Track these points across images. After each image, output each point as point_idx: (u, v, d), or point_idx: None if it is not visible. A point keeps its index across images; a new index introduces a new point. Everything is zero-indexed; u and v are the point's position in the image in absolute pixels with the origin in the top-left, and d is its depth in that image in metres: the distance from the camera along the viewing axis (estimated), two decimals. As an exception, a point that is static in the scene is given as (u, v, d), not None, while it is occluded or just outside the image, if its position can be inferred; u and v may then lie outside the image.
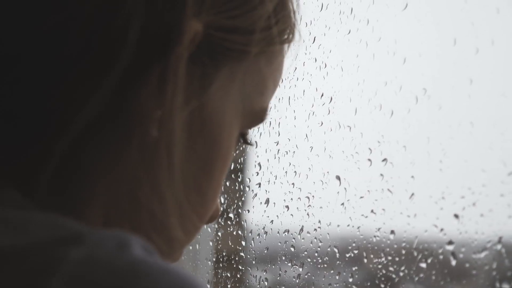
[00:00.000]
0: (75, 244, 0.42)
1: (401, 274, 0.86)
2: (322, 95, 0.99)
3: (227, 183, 1.28)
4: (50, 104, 0.52)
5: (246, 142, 0.65)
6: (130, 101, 0.52)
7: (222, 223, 1.33)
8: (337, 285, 0.99)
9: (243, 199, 1.26)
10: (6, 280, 0.41)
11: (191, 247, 1.40)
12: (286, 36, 0.62)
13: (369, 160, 0.89)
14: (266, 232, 1.16)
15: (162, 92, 0.52)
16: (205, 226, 1.36)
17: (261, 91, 0.62)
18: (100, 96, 0.50)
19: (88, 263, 0.41)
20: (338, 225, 0.96)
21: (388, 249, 0.87)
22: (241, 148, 1.25)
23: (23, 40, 0.51)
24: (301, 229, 1.05)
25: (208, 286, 1.36)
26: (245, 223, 1.27)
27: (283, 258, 1.12)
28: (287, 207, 1.08)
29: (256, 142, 1.18)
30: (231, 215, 1.30)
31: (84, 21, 0.50)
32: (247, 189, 1.25)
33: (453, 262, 0.77)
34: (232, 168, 1.27)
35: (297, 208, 1.05)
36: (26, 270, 0.41)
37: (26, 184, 0.51)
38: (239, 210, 1.28)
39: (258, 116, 0.63)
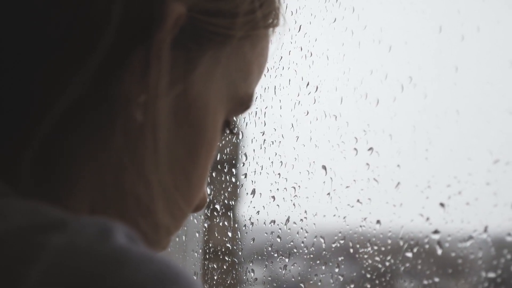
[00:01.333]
0: (55, 231, 0.42)
1: (387, 263, 0.85)
2: (308, 84, 0.99)
3: (213, 174, 1.28)
4: (31, 89, 0.51)
5: (231, 131, 0.65)
6: (113, 85, 0.51)
7: (209, 215, 1.33)
8: (324, 275, 0.98)
9: (229, 190, 1.26)
10: None
11: (177, 239, 1.39)
12: (270, 20, 0.62)
13: (355, 149, 0.88)
14: (252, 223, 1.16)
15: (145, 76, 0.51)
16: (191, 218, 1.36)
17: (246, 76, 0.61)
18: (80, 80, 0.49)
19: (68, 251, 0.41)
20: (324, 215, 0.96)
21: (374, 239, 0.87)
22: (227, 139, 1.25)
23: (5, 23, 0.50)
24: (287, 220, 1.04)
25: (195, 277, 1.35)
26: (231, 214, 1.27)
27: (270, 249, 1.11)
28: (273, 197, 1.08)
29: (242, 132, 1.18)
30: (217, 206, 1.29)
31: (65, 4, 0.50)
32: (233, 179, 1.25)
33: (439, 251, 0.77)
34: (218, 158, 1.26)
35: (283, 198, 1.05)
36: (5, 256, 0.40)
37: (8, 172, 0.51)
38: (226, 201, 1.27)
39: (243, 102, 0.62)
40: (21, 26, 0.50)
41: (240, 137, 1.21)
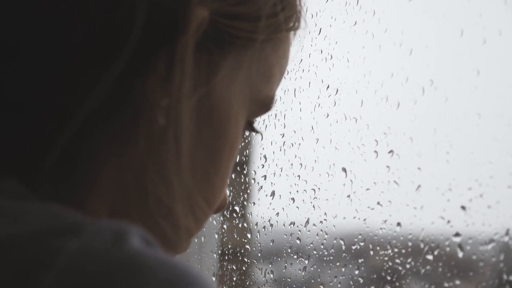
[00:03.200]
0: (71, 235, 0.42)
1: (408, 266, 0.85)
2: (328, 86, 0.99)
3: (233, 176, 1.28)
4: (53, 93, 0.51)
5: (254, 130, 0.65)
6: (136, 89, 0.52)
7: (228, 216, 1.33)
8: (343, 277, 0.99)
9: (248, 191, 1.26)
10: (3, 269, 0.40)
11: (196, 240, 1.40)
12: (292, 24, 0.62)
13: (375, 152, 0.88)
14: (271, 225, 1.16)
15: (169, 80, 0.51)
16: (210, 219, 1.36)
17: (268, 78, 0.61)
18: (103, 85, 0.49)
19: (83, 255, 0.41)
20: (344, 218, 0.96)
21: (394, 241, 0.87)
22: (246, 141, 1.25)
23: (26, 29, 0.51)
24: (307, 222, 1.05)
25: (214, 278, 1.36)
26: (250, 216, 1.27)
27: (289, 250, 1.11)
28: (293, 199, 1.08)
29: (261, 134, 1.18)
30: (236, 207, 1.30)
31: (88, 9, 0.50)
32: (252, 181, 1.25)
33: (460, 254, 0.76)
34: (237, 160, 1.26)
35: (303, 200, 1.05)
36: (22, 260, 0.41)
37: (28, 175, 0.51)
38: (245, 203, 1.28)
39: (265, 104, 0.63)
40: (45, 31, 0.50)
41: (260, 139, 1.21)
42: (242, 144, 1.25)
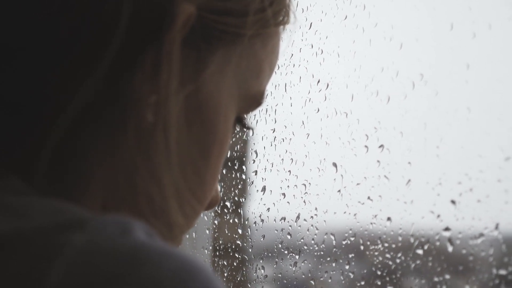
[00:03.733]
0: (77, 230, 0.42)
1: (398, 261, 0.85)
2: (319, 81, 0.99)
3: (224, 171, 1.28)
4: (45, 90, 0.51)
5: (244, 126, 0.65)
6: (124, 86, 0.52)
7: (219, 211, 1.33)
8: (334, 272, 0.99)
9: (239, 187, 1.26)
10: (10, 264, 0.40)
11: (187, 236, 1.40)
12: (281, 18, 0.61)
13: (366, 146, 0.88)
14: (262, 220, 1.16)
15: (156, 76, 0.51)
16: (201, 215, 1.36)
17: (257, 74, 0.61)
18: (92, 81, 0.49)
19: (89, 249, 0.41)
20: (335, 213, 0.96)
21: (384, 236, 0.87)
22: (237, 136, 1.25)
23: (16, 29, 0.51)
24: (298, 217, 1.05)
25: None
26: (241, 211, 1.27)
27: (280, 246, 1.11)
28: (284, 194, 1.08)
29: (252, 129, 1.18)
30: (227, 203, 1.29)
31: (76, 7, 0.50)
32: (243, 177, 1.25)
33: (450, 249, 0.77)
34: (228, 156, 1.26)
35: (294, 195, 1.05)
36: (29, 255, 0.41)
37: (26, 172, 0.51)
38: (236, 198, 1.28)
39: (255, 99, 0.62)
40: (32, 28, 0.50)
41: (251, 134, 1.21)
42: (233, 139, 1.25)
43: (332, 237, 0.98)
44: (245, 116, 0.65)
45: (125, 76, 0.51)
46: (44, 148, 0.50)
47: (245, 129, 0.66)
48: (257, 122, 1.16)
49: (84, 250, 0.41)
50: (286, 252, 1.10)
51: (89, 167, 0.53)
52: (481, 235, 0.73)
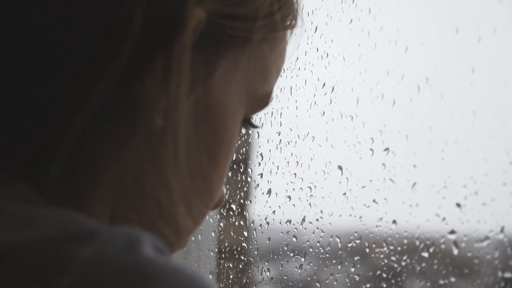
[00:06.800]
0: (85, 241, 0.42)
1: (403, 263, 0.85)
2: (324, 84, 0.99)
3: (229, 174, 1.28)
4: (54, 96, 0.51)
5: (252, 125, 0.65)
6: (134, 90, 0.52)
7: (224, 214, 1.33)
8: (339, 275, 0.99)
9: (245, 189, 1.26)
10: (18, 272, 0.41)
11: (193, 238, 1.40)
12: (288, 22, 0.62)
13: (371, 149, 0.88)
14: (268, 223, 1.16)
15: (166, 80, 0.51)
16: (207, 217, 1.36)
17: (265, 77, 0.61)
18: (103, 86, 0.49)
19: (96, 262, 0.41)
20: (340, 215, 0.96)
21: (390, 239, 0.87)
22: (243, 139, 1.25)
23: (26, 31, 0.51)
24: (303, 219, 1.05)
25: (211, 276, 1.36)
26: (247, 214, 1.27)
27: (285, 248, 1.12)
28: (289, 197, 1.08)
29: (258, 132, 1.18)
30: (233, 205, 1.30)
31: (87, 11, 0.50)
32: (249, 179, 1.25)
33: (455, 252, 0.77)
34: (234, 158, 1.26)
35: (299, 198, 1.05)
36: (37, 265, 0.41)
37: (33, 177, 0.51)
38: (241, 201, 1.28)
39: (262, 101, 0.63)
40: (43, 34, 0.50)
41: (256, 137, 1.21)
42: (239, 142, 1.25)
43: (338, 240, 0.98)
44: (252, 116, 0.65)
45: (135, 80, 0.52)
46: (55, 155, 0.50)
47: (252, 129, 0.66)
48: (262, 125, 1.16)
49: (92, 262, 0.41)
50: (291, 254, 1.10)
51: (97, 171, 0.54)
52: (487, 238, 0.74)
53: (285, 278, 1.13)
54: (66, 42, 0.50)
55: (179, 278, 0.42)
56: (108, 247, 0.42)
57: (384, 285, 0.89)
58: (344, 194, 0.94)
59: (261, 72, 0.61)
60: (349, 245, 0.96)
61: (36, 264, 0.41)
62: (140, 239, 0.44)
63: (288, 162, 1.09)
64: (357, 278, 0.95)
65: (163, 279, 0.41)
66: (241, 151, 1.27)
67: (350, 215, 0.93)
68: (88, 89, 0.50)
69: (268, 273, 1.18)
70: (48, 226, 0.44)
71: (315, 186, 1.02)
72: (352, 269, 0.96)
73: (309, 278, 1.06)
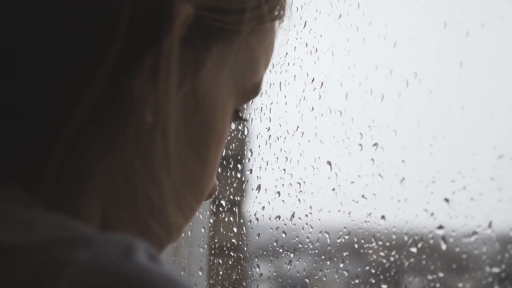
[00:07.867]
0: (80, 247, 0.42)
1: (392, 259, 0.86)
2: (313, 80, 0.99)
3: (219, 170, 1.28)
4: (45, 97, 0.51)
5: (240, 118, 0.65)
6: (124, 89, 0.52)
7: (214, 210, 1.33)
8: (328, 270, 0.99)
9: (234, 185, 1.26)
10: (13, 274, 0.41)
11: (183, 234, 1.40)
12: (276, 13, 0.62)
13: (360, 145, 0.88)
14: (257, 219, 1.16)
15: (155, 77, 0.51)
16: (197, 213, 1.36)
17: (254, 69, 0.61)
18: (93, 86, 0.49)
19: (91, 268, 0.41)
20: (329, 211, 0.96)
21: (379, 234, 0.87)
22: (232, 135, 1.25)
23: (15, 35, 0.51)
24: (292, 215, 1.05)
25: (200, 273, 1.36)
26: (237, 210, 1.27)
27: (275, 244, 1.11)
28: (279, 193, 1.08)
29: (247, 127, 1.18)
30: (223, 202, 1.29)
31: (75, 12, 0.50)
32: (238, 175, 1.25)
33: (444, 247, 0.77)
34: (223, 154, 1.26)
35: (289, 194, 1.05)
36: (33, 269, 0.41)
37: (27, 180, 0.51)
38: (231, 197, 1.28)
39: (252, 91, 0.63)
40: (33, 36, 0.50)
41: (246, 133, 1.21)
42: (228, 138, 1.25)
43: (327, 236, 0.98)
44: (242, 108, 0.65)
45: (125, 79, 0.51)
46: (50, 157, 0.50)
47: (240, 122, 0.66)
48: (252, 120, 1.16)
49: (86, 268, 0.41)
50: (281, 250, 1.10)
51: (89, 170, 0.54)
52: (475, 233, 0.74)
53: (275, 274, 1.13)
54: (55, 44, 0.50)
55: (171, 285, 0.43)
56: (103, 253, 0.43)
57: (373, 281, 0.89)
58: (333, 189, 0.94)
59: (250, 64, 0.61)
60: (338, 240, 0.96)
61: (32, 266, 0.41)
62: (135, 246, 0.44)
63: (277, 157, 1.08)
64: (347, 274, 0.95)
65: (156, 286, 0.42)
66: (231, 147, 1.26)
67: (339, 210, 0.93)
68: (78, 90, 0.50)
69: (257, 269, 1.18)
70: (44, 229, 0.44)
71: (304, 181, 1.02)
72: (342, 265, 0.96)
73: (298, 274, 1.06)
